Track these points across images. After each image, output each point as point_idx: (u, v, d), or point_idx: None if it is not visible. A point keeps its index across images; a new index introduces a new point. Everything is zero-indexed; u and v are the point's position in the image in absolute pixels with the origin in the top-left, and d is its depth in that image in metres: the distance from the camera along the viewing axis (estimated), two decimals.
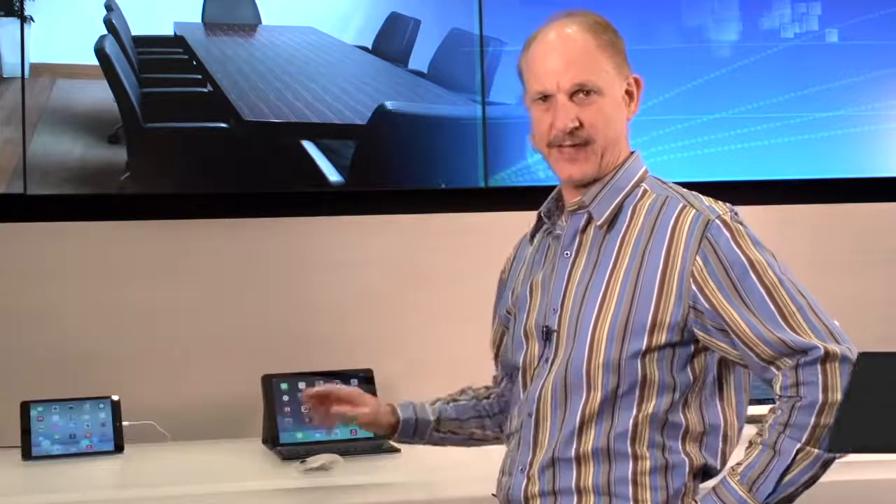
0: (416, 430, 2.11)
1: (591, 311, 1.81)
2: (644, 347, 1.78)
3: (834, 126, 3.58)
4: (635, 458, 1.80)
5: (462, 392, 2.19)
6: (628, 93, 1.90)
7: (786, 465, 1.72)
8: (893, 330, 3.49)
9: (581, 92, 1.84)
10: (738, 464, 1.76)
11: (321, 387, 2.10)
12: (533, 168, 3.46)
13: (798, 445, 1.71)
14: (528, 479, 1.85)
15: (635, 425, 1.80)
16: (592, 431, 1.81)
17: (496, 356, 2.12)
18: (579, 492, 1.81)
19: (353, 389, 2.16)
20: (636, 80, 1.91)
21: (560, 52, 1.85)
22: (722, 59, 3.56)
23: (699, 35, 3.56)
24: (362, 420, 2.10)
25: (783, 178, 3.57)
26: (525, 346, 1.92)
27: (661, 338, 1.78)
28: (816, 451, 1.71)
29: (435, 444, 2.15)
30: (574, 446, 1.81)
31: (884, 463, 2.76)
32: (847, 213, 3.56)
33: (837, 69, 3.58)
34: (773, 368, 1.75)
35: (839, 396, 1.70)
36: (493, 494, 1.99)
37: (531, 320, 1.91)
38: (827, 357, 1.71)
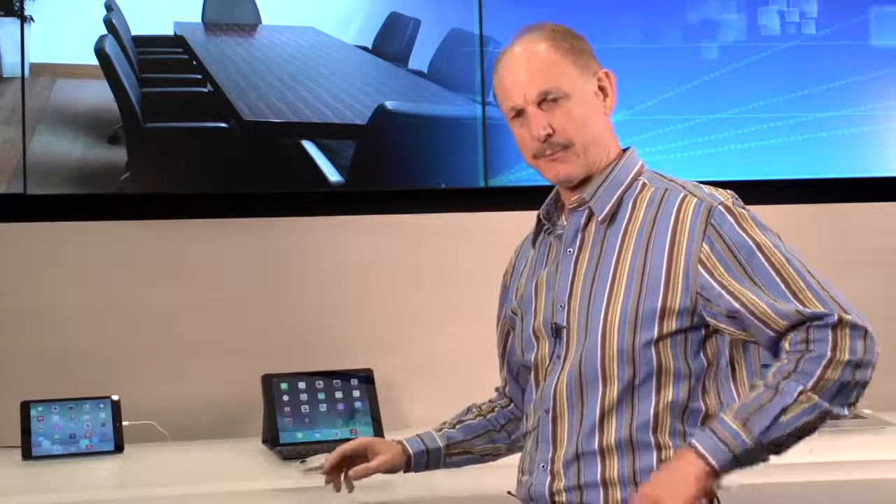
0: (429, 460, 2.13)
1: (601, 304, 1.83)
2: (656, 335, 1.80)
3: (834, 126, 3.58)
4: (659, 447, 1.81)
5: (467, 411, 2.20)
6: (601, 88, 1.93)
7: (786, 404, 1.72)
8: (893, 330, 3.49)
9: (548, 100, 1.88)
10: (735, 404, 1.76)
11: (332, 456, 2.11)
12: (533, 168, 3.45)
13: (801, 388, 1.72)
14: (553, 475, 1.86)
15: (656, 415, 1.81)
16: (614, 423, 1.82)
17: (502, 359, 2.12)
18: (605, 484, 1.82)
19: (360, 441, 2.15)
20: (606, 74, 1.94)
21: (522, 65, 1.91)
22: (722, 59, 3.55)
23: (699, 35, 3.56)
24: (382, 468, 2.12)
25: (783, 178, 3.57)
26: (535, 346, 1.93)
27: (672, 324, 1.80)
28: (818, 398, 1.72)
29: (452, 467, 2.16)
30: (597, 439, 1.82)
31: (884, 463, 2.76)
32: (847, 214, 3.56)
33: (837, 69, 3.58)
34: (786, 339, 1.77)
35: (847, 356, 1.72)
36: (508, 492, 2.00)
37: (539, 319, 1.92)
38: (839, 323, 1.73)
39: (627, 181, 1.90)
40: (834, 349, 1.72)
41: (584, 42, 1.94)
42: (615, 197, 1.89)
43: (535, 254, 2.02)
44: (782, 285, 1.76)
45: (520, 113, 1.90)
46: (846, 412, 1.78)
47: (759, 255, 1.77)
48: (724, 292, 1.77)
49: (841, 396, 1.74)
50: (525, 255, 2.06)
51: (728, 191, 1.86)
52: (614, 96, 1.94)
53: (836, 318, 1.73)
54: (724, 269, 1.78)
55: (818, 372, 1.72)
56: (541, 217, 2.00)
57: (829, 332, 1.73)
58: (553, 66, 1.89)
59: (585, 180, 1.91)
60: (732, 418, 1.72)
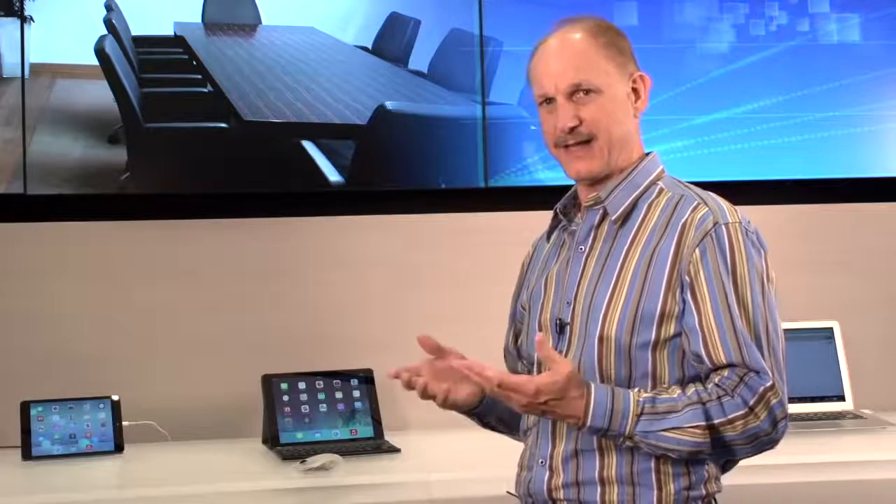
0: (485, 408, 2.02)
1: (602, 302, 1.84)
2: (654, 338, 1.80)
3: (834, 126, 3.58)
4: None
5: None
6: (635, 91, 1.92)
7: (679, 425, 1.75)
8: (893, 330, 3.50)
9: (579, 91, 1.88)
10: (654, 392, 1.78)
11: (452, 362, 1.88)
12: (533, 168, 3.46)
13: (702, 423, 1.75)
14: (552, 471, 1.86)
15: None
16: None
17: (518, 355, 2.10)
18: (602, 482, 1.83)
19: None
20: (642, 77, 1.93)
21: (558, 55, 1.90)
22: (722, 59, 3.56)
23: (699, 35, 3.56)
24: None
25: (783, 178, 3.56)
26: None
27: (670, 329, 1.81)
28: (709, 440, 1.75)
29: (492, 425, 2.07)
30: (595, 437, 1.82)
31: (884, 463, 2.76)
32: (847, 213, 3.56)
33: (837, 69, 3.58)
34: (718, 373, 1.78)
35: (762, 420, 1.74)
36: (507, 492, 1.99)
37: (545, 314, 1.93)
38: (772, 388, 1.76)
39: (645, 185, 1.90)
40: (755, 407, 1.74)
41: (624, 40, 1.93)
42: (630, 199, 1.89)
43: (548, 249, 2.02)
44: (741, 326, 1.77)
45: (550, 101, 1.90)
46: (715, 464, 1.83)
47: (733, 288, 1.78)
48: (692, 299, 1.79)
49: (731, 449, 1.77)
50: (540, 251, 2.06)
51: (746, 216, 1.85)
52: (646, 100, 1.93)
53: (771, 381, 1.75)
54: (704, 278, 1.79)
55: (731, 416, 1.74)
56: (557, 211, 2.00)
57: (760, 391, 1.75)
58: (588, 60, 1.88)
59: (604, 179, 1.91)
60: (636, 404, 1.75)
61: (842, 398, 3.19)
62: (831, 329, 3.24)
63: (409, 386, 1.94)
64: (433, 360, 1.94)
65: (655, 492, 1.80)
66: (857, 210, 3.56)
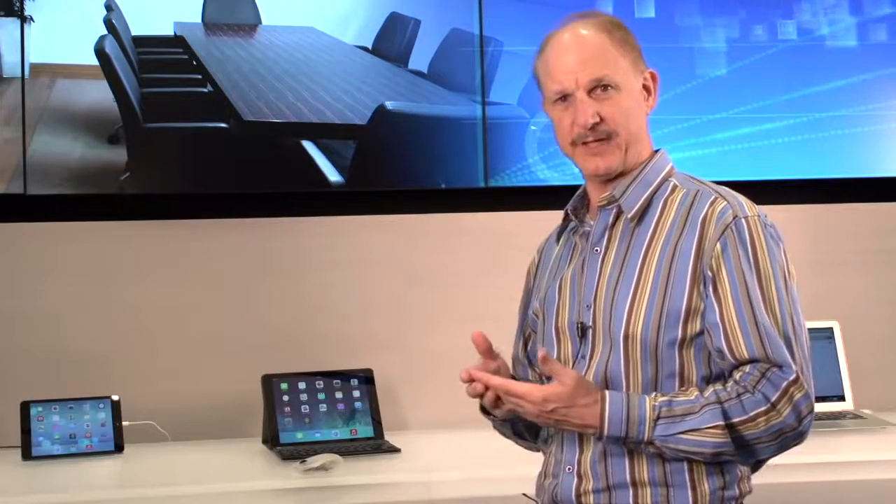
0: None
1: (625, 302, 1.81)
2: (680, 336, 1.78)
3: (834, 126, 3.58)
4: None
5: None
6: (645, 87, 1.91)
7: (698, 426, 1.73)
8: (894, 330, 3.50)
9: (599, 87, 1.85)
10: (671, 395, 1.76)
11: (492, 378, 1.83)
12: (533, 168, 3.46)
13: (721, 422, 1.73)
14: (580, 477, 1.83)
15: None
16: None
17: (529, 363, 2.06)
18: (635, 485, 1.80)
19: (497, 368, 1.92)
20: (652, 75, 1.92)
21: (575, 50, 1.87)
22: (722, 59, 3.56)
23: (699, 35, 3.56)
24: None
25: (783, 178, 3.56)
26: (557, 345, 1.90)
27: (696, 326, 1.79)
28: (730, 439, 1.73)
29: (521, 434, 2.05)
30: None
31: (884, 463, 2.76)
32: (847, 213, 3.56)
33: (837, 69, 3.58)
34: (739, 369, 1.76)
35: (785, 415, 1.72)
36: (524, 494, 1.97)
37: (562, 318, 1.90)
38: (796, 382, 1.73)
39: (657, 181, 1.88)
40: (777, 403, 1.72)
41: (634, 38, 1.91)
42: (645, 196, 1.87)
43: (558, 251, 1.99)
44: (764, 320, 1.75)
45: (565, 97, 1.87)
46: (743, 466, 1.81)
47: (756, 282, 1.77)
48: (713, 294, 1.77)
49: (754, 449, 1.75)
50: (549, 254, 2.03)
51: (762, 210, 1.84)
52: (656, 98, 1.92)
53: (795, 374, 1.73)
54: (726, 272, 1.77)
55: (752, 413, 1.72)
56: (568, 212, 1.97)
57: (784, 386, 1.72)
58: (607, 55, 1.86)
59: (616, 177, 1.89)
60: (652, 408, 1.74)
61: (842, 398, 3.19)
62: (831, 329, 3.24)
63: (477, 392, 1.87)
64: (486, 362, 1.89)
65: (690, 492, 1.78)
66: (857, 210, 3.57)
